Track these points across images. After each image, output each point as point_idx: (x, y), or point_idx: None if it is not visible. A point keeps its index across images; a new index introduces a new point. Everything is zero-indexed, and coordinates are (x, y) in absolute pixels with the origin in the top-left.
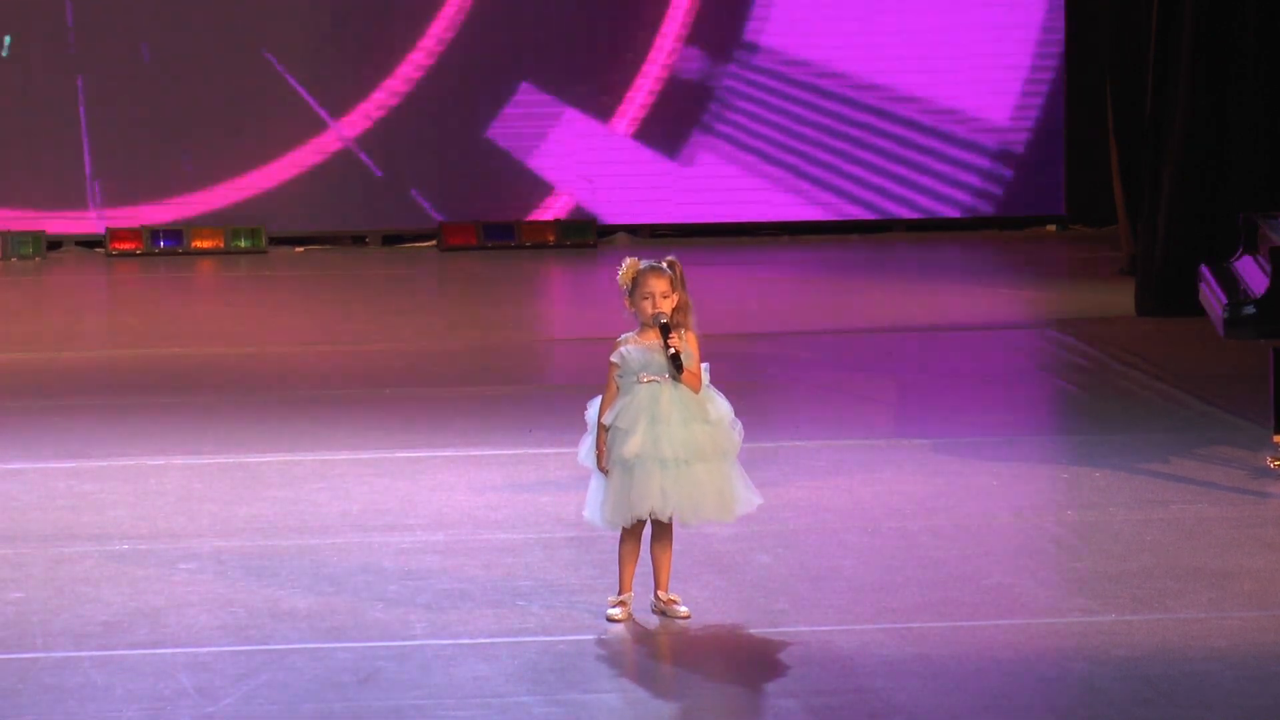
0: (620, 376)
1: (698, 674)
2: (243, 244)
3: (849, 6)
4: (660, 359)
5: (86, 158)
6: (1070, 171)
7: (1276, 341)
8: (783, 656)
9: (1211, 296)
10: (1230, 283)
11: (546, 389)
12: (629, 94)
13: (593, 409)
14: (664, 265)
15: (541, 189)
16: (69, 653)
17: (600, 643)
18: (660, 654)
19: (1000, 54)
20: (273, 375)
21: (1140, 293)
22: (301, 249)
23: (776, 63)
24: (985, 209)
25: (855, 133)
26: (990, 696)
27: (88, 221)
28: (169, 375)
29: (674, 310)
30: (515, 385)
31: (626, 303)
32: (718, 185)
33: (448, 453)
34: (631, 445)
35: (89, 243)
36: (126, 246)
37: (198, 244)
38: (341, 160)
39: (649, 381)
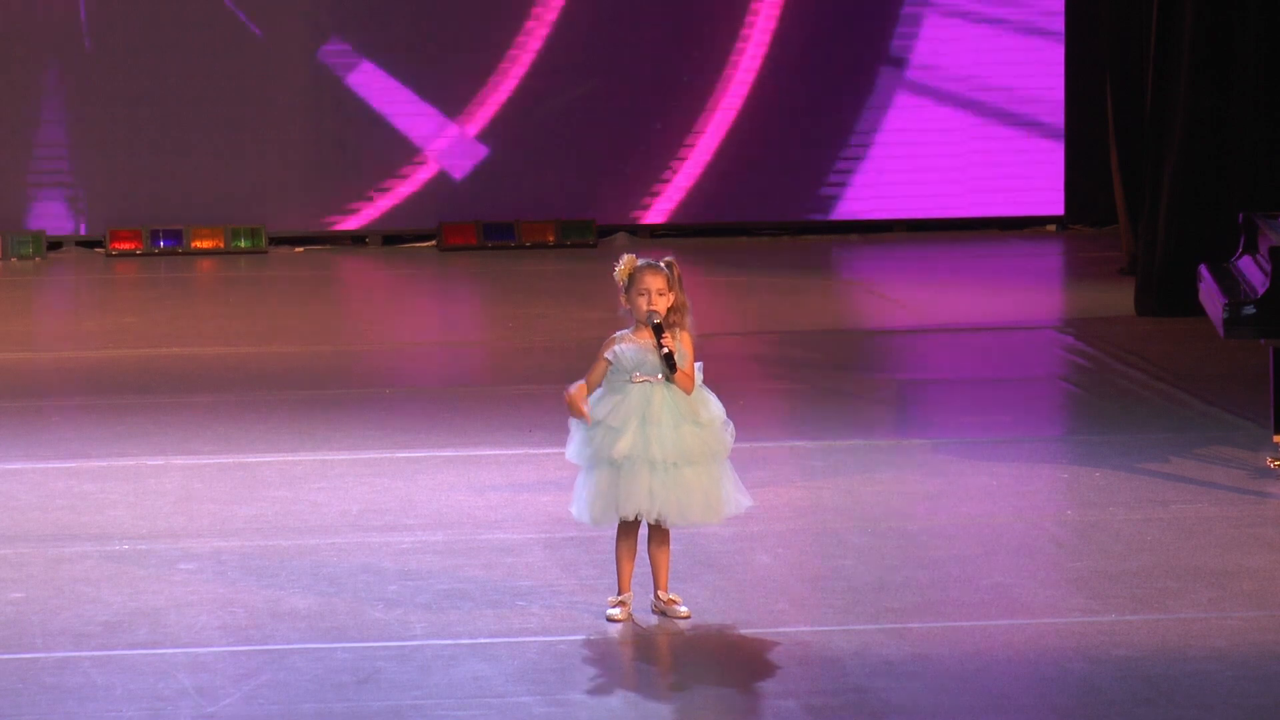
0: (613, 374)
1: (697, 674)
2: (243, 244)
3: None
4: (654, 359)
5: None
6: (1070, 171)
7: (1276, 341)
8: (783, 656)
9: (1211, 296)
10: (1230, 283)
11: (546, 389)
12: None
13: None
14: (661, 264)
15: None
16: (69, 653)
17: (600, 643)
18: (660, 654)
19: (1000, 54)
20: (272, 375)
21: (1140, 293)
22: (301, 249)
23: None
24: (986, 209)
25: (855, 132)
26: (990, 696)
27: (88, 221)
28: (169, 375)
29: (670, 310)
30: (515, 385)
31: (622, 299)
32: (718, 185)
33: (448, 453)
34: (621, 445)
35: (89, 243)
36: (126, 246)
37: (198, 244)
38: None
39: (642, 382)
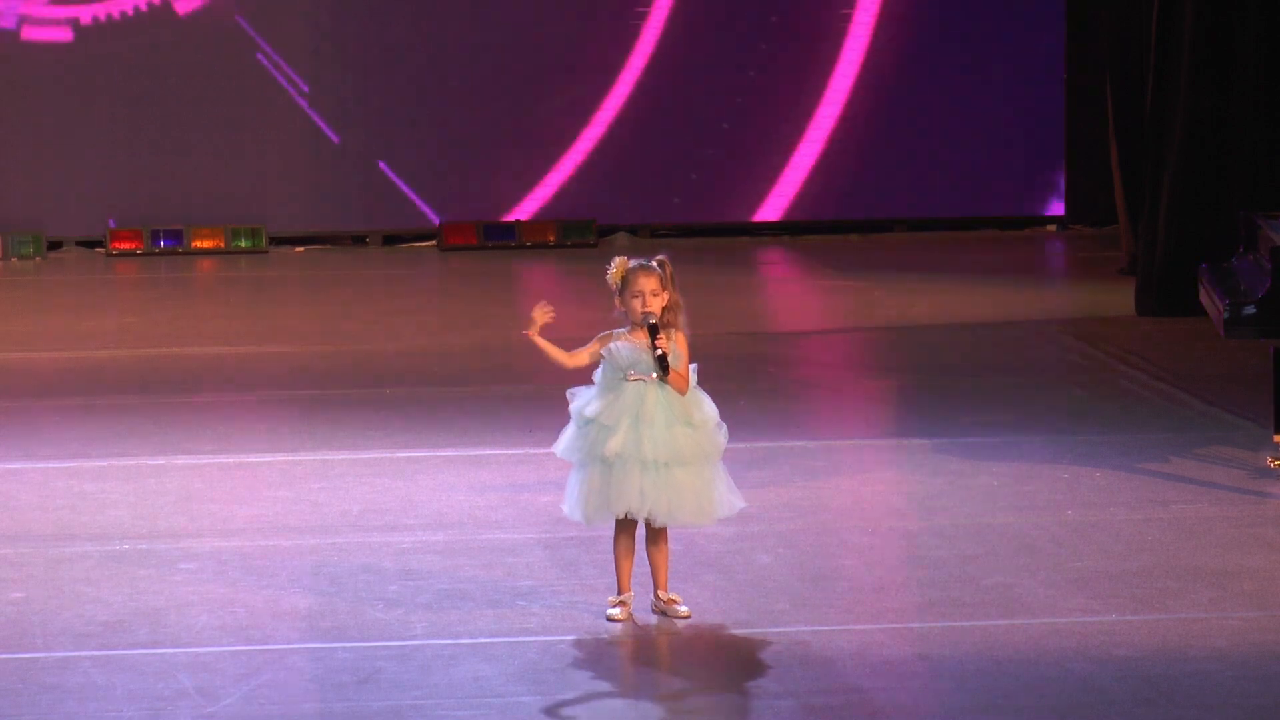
0: (607, 372)
1: (698, 674)
2: (243, 244)
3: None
4: (648, 359)
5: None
6: (1070, 171)
7: (1277, 341)
8: (783, 656)
9: (1212, 296)
10: (1230, 283)
11: (547, 389)
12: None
13: (576, 400)
14: (654, 264)
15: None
16: (69, 653)
17: (600, 643)
18: (660, 654)
19: (1000, 53)
20: (272, 375)
21: (1140, 293)
22: (301, 249)
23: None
24: (985, 209)
25: (856, 132)
26: (990, 696)
27: (87, 221)
28: (169, 375)
29: (664, 309)
30: (515, 385)
31: (617, 302)
32: (718, 185)
33: (448, 453)
34: (613, 444)
35: (89, 243)
36: (126, 246)
37: (198, 244)
38: (342, 160)
39: (636, 380)
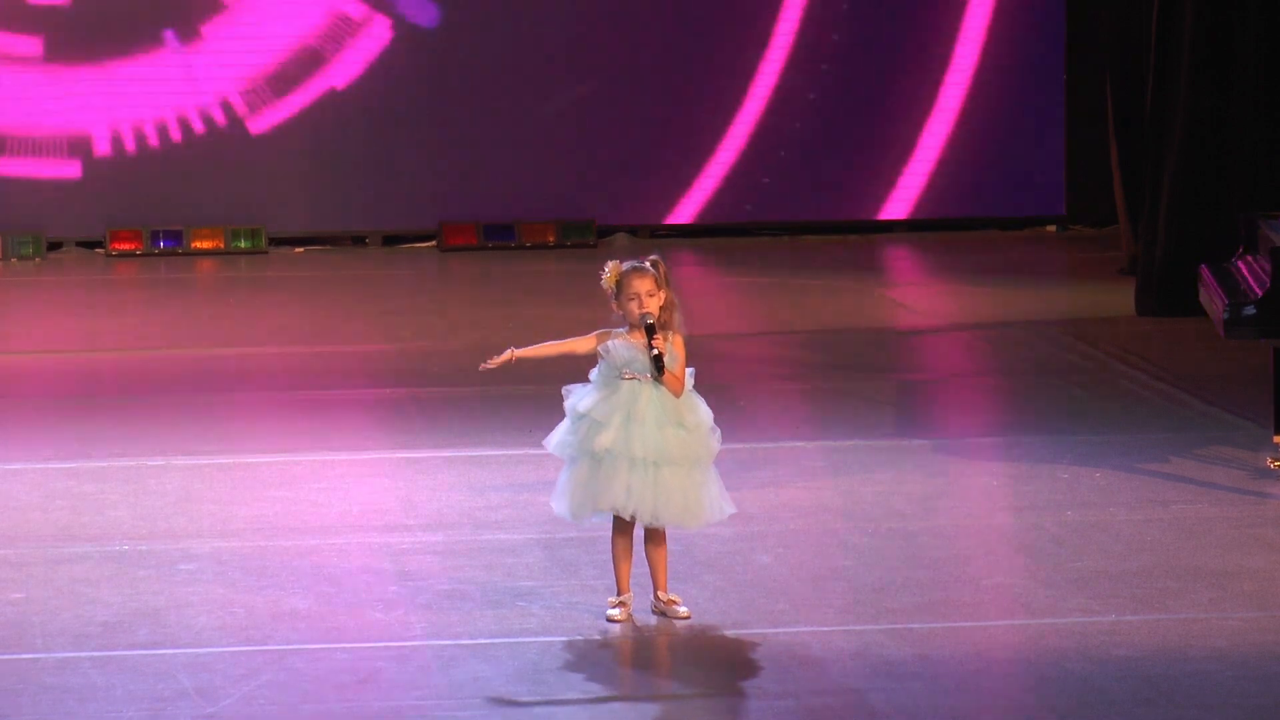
0: (603, 370)
1: (697, 675)
2: (243, 244)
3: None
4: (644, 358)
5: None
6: (1070, 171)
7: (1277, 341)
8: (782, 657)
9: (1212, 297)
10: (1230, 283)
11: (545, 389)
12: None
13: (571, 397)
14: (647, 264)
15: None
16: (69, 653)
17: (600, 644)
18: (660, 655)
19: (1000, 54)
20: (272, 375)
21: (1140, 293)
22: (301, 249)
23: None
24: (985, 209)
25: (856, 132)
26: (990, 696)
27: (88, 221)
28: (169, 375)
29: (660, 309)
30: (515, 385)
31: (613, 305)
32: (717, 185)
33: (447, 453)
34: (604, 439)
35: (89, 243)
36: (126, 246)
37: (198, 244)
38: (342, 160)
39: (631, 379)
